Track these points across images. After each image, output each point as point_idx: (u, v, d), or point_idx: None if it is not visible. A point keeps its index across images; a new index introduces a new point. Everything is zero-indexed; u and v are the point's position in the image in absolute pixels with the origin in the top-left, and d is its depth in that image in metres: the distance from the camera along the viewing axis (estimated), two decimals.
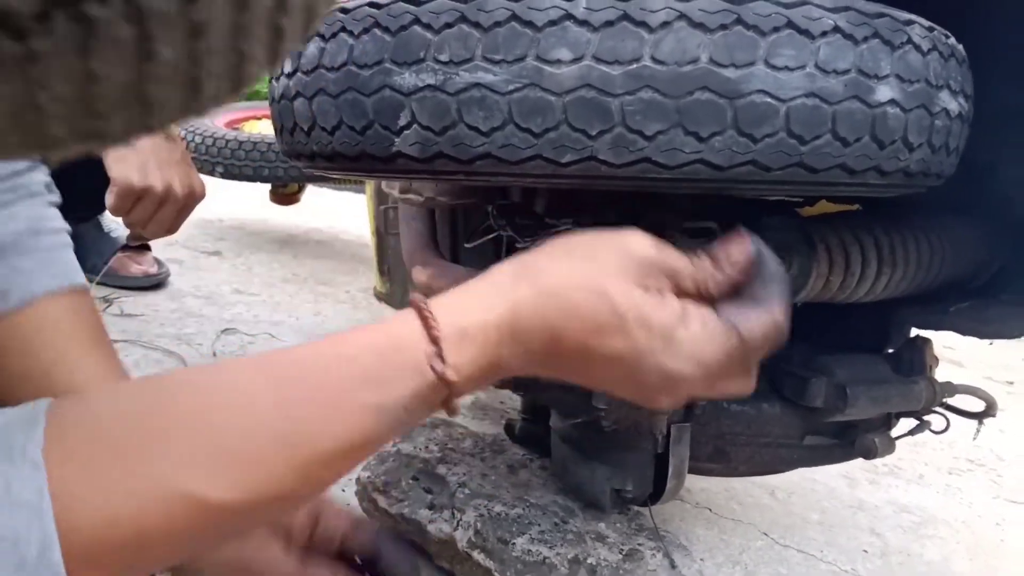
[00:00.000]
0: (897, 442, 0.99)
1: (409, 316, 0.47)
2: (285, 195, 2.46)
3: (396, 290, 1.83)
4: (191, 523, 0.39)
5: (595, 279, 0.47)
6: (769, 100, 0.51)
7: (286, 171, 2.16)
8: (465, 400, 1.35)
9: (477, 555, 0.73)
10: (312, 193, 2.70)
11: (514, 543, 0.73)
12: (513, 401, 1.33)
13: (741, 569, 0.96)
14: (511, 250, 0.81)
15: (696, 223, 0.68)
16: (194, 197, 1.18)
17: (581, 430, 0.77)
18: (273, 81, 0.68)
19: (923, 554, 1.08)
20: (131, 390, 0.43)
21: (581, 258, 0.48)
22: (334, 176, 0.69)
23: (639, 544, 0.76)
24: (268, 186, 2.40)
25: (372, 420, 0.44)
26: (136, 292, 1.62)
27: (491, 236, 0.73)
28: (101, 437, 0.38)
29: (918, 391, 0.79)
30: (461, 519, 0.76)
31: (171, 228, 1.20)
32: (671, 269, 0.49)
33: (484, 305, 0.47)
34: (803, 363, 0.80)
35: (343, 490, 0.97)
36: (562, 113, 0.51)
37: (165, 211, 1.16)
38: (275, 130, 0.71)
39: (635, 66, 0.50)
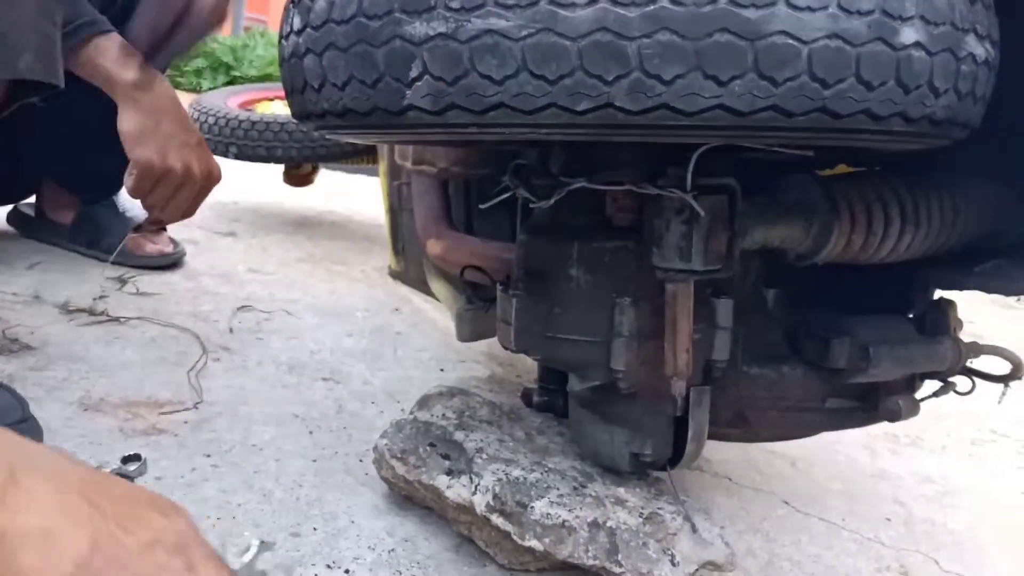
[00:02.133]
0: (920, 415, 0.97)
1: None
2: (299, 176, 2.45)
3: (410, 268, 1.83)
4: None
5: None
6: (791, 42, 0.49)
7: (299, 151, 2.16)
8: (482, 374, 1.34)
9: (496, 519, 0.73)
10: (325, 176, 2.69)
11: (533, 507, 0.72)
12: (529, 375, 1.33)
13: (762, 537, 0.95)
14: (526, 212, 0.80)
15: (715, 180, 0.66)
16: (212, 180, 1.20)
17: (599, 393, 0.76)
18: (283, 40, 0.67)
19: (947, 523, 1.06)
20: None
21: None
22: (345, 136, 0.68)
23: (659, 508, 0.75)
24: (282, 168, 2.39)
25: None
26: (151, 271, 1.62)
27: (505, 197, 0.72)
28: None
29: (943, 351, 0.77)
30: (479, 484, 0.75)
31: (189, 211, 1.21)
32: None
33: None
34: (825, 324, 0.78)
35: (360, 460, 0.97)
36: (577, 58, 0.50)
37: (183, 193, 1.17)
38: (285, 92, 0.71)
39: (652, 7, 0.48)
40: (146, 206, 1.20)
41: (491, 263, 1.01)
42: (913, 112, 0.55)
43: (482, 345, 1.46)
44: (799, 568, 0.90)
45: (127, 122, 1.13)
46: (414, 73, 0.54)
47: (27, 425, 0.84)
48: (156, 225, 1.49)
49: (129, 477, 0.85)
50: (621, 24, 0.49)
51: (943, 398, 0.89)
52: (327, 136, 0.71)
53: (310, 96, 0.63)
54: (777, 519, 1.00)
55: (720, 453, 1.15)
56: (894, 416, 0.79)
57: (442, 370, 1.35)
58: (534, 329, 0.76)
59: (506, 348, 0.80)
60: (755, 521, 0.98)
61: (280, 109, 2.43)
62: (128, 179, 1.15)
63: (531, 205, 0.72)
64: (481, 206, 0.76)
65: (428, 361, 1.38)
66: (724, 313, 0.74)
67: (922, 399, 0.82)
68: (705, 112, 0.50)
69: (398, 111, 0.56)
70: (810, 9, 0.49)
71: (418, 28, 0.53)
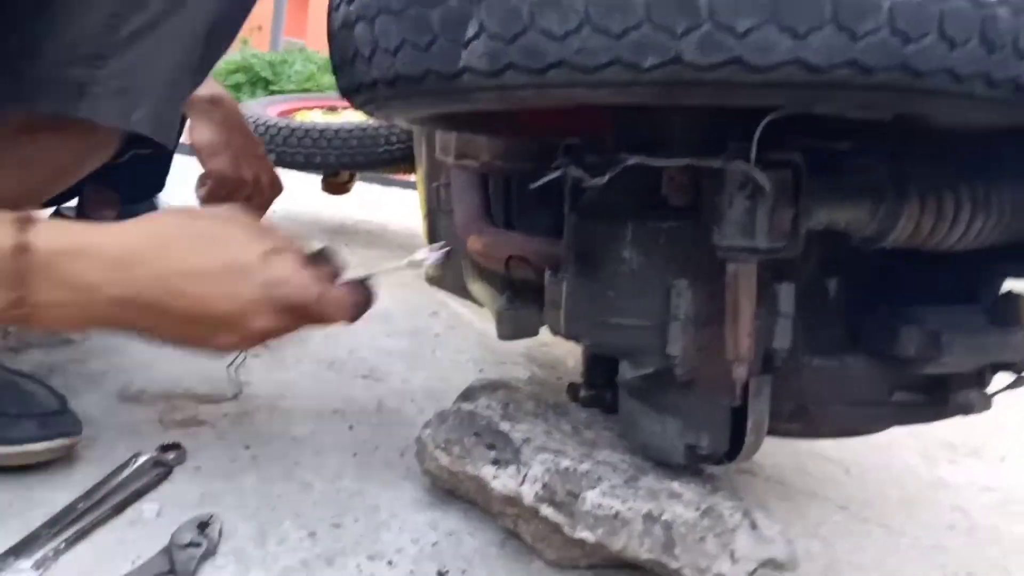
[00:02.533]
0: (978, 426, 0.92)
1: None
2: (336, 184, 2.45)
3: (448, 273, 1.81)
4: None
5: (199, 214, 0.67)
6: None
7: (337, 158, 2.16)
8: (522, 375, 1.32)
9: (545, 509, 0.70)
10: (360, 188, 2.69)
11: (584, 497, 0.69)
12: (570, 377, 1.30)
13: (820, 541, 0.91)
14: (575, 195, 0.77)
15: (779, 155, 0.63)
16: (276, 190, 1.25)
17: (652, 382, 0.73)
18: (332, 13, 0.66)
19: (1013, 530, 1.01)
20: None
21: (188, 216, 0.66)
22: (394, 110, 0.66)
23: (716, 503, 0.71)
24: (319, 180, 2.40)
25: None
26: None
27: (554, 177, 0.70)
28: None
29: (1018, 341, 0.73)
30: (527, 474, 0.72)
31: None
32: (279, 235, 0.68)
33: (90, 226, 0.61)
34: (891, 313, 0.74)
35: (401, 455, 0.94)
36: (644, 11, 0.47)
37: (252, 203, 1.20)
38: (333, 66, 0.69)
39: None
40: None
41: (534, 257, 0.98)
42: (997, 74, 0.52)
43: (521, 347, 1.43)
44: (860, 572, 0.85)
45: (201, 135, 1.17)
46: (470, 32, 0.52)
47: (64, 417, 0.83)
48: None
49: (167, 466, 0.84)
50: None
51: (1003, 410, 0.84)
52: (375, 113, 0.69)
53: (360, 66, 0.62)
54: (834, 524, 0.96)
55: (772, 458, 1.11)
56: (965, 410, 0.75)
57: (481, 371, 1.32)
58: (585, 314, 0.73)
59: (555, 334, 0.77)
60: (811, 526, 0.94)
61: (319, 118, 2.44)
62: (200, 190, 1.20)
63: (583, 185, 0.69)
64: (531, 186, 0.73)
65: (467, 363, 1.36)
66: (786, 299, 0.70)
67: (994, 393, 0.78)
68: (780, 68, 0.48)
69: (452, 74, 0.54)
70: None
71: None
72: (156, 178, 1.68)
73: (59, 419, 0.83)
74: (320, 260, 0.70)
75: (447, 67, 0.54)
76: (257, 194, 1.21)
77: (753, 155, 0.60)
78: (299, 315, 0.66)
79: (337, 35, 0.65)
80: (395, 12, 0.56)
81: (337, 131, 2.16)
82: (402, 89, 0.59)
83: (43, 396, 0.85)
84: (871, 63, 0.48)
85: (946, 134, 0.77)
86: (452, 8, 0.52)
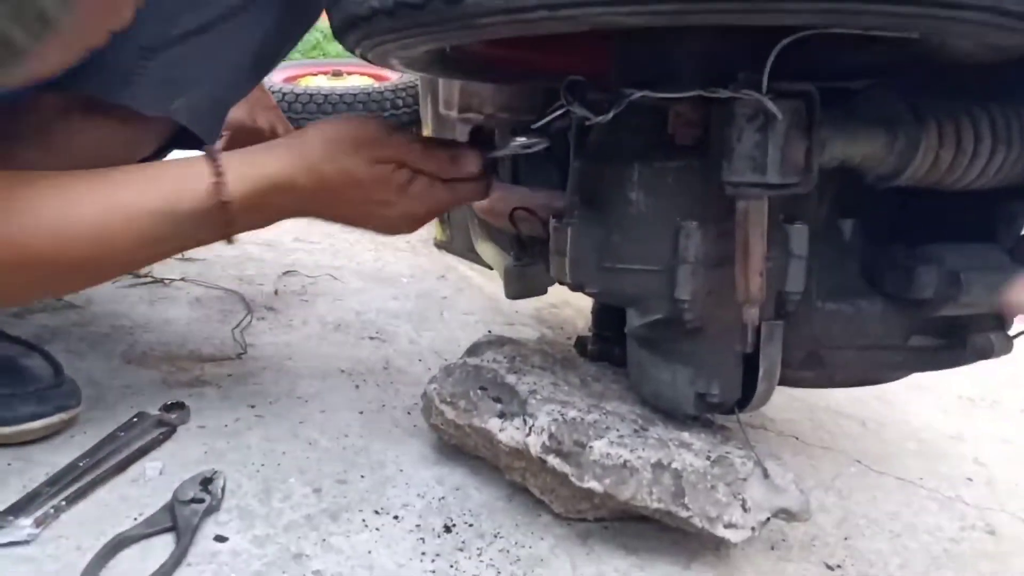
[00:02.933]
0: (996, 378, 0.88)
1: (201, 157, 0.70)
2: None
3: (456, 237, 1.79)
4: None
5: (338, 159, 0.72)
6: None
7: None
8: (531, 335, 1.30)
9: (552, 460, 0.68)
10: None
11: (592, 446, 0.67)
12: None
13: (835, 494, 0.89)
14: (580, 139, 0.75)
15: (791, 85, 0.60)
16: None
17: (660, 329, 0.71)
18: None
19: None
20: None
21: (331, 140, 0.73)
22: (393, 46, 0.63)
23: (727, 452, 0.70)
24: None
25: (158, 222, 0.67)
26: None
27: (561, 113, 0.67)
28: None
29: None
30: (534, 425, 0.71)
31: None
32: (397, 155, 0.74)
33: (261, 161, 0.71)
34: (907, 254, 0.72)
35: (408, 413, 0.93)
36: None
37: None
38: (328, 7, 0.67)
39: None
40: None
41: (540, 210, 0.96)
42: None
43: (530, 308, 1.42)
44: (876, 525, 0.84)
45: None
46: None
47: (61, 389, 0.81)
48: None
49: (170, 425, 0.83)
50: None
51: (1022, 363, 0.81)
52: (371, 53, 0.67)
53: None
54: (849, 477, 0.94)
55: (785, 412, 1.09)
56: (985, 353, 0.72)
57: (489, 331, 1.30)
58: (591, 260, 0.71)
59: (560, 283, 0.75)
60: (826, 478, 0.92)
61: (324, 83, 2.41)
62: (218, 141, 1.20)
63: (588, 123, 0.66)
64: (534, 126, 0.71)
65: (475, 324, 1.34)
66: (799, 240, 0.68)
67: (1015, 336, 0.75)
68: None
69: None
70: None
71: None
72: None
73: (56, 392, 0.81)
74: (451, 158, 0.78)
75: None
76: None
77: (765, 81, 0.57)
78: (440, 211, 0.82)
79: None
80: None
81: (342, 95, 2.13)
82: (401, 20, 0.56)
83: (39, 369, 0.83)
84: None
85: (966, 73, 0.74)
86: None
